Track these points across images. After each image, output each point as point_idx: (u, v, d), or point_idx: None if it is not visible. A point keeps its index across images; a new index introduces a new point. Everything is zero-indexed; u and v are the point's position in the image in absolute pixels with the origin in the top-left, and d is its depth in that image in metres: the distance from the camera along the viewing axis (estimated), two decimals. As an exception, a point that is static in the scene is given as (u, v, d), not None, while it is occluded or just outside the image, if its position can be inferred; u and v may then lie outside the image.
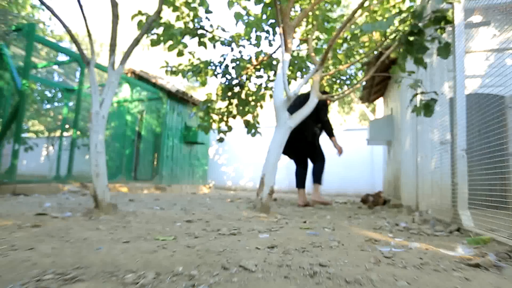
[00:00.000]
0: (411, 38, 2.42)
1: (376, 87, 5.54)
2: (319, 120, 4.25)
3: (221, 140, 5.73)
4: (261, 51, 4.77)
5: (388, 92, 5.38)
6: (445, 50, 2.11)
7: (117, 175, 5.90)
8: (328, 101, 4.37)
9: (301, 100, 4.17)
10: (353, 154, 8.47)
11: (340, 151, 4.32)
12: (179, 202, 3.83)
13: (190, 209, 3.03)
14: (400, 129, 4.12)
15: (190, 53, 4.87)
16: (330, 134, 4.28)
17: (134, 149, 6.95)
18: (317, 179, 4.16)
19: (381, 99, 6.94)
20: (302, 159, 4.37)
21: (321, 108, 4.30)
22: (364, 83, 5.48)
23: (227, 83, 4.92)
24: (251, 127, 5.38)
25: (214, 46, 4.80)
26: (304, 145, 4.20)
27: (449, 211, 2.30)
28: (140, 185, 6.15)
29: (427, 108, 2.40)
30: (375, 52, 4.29)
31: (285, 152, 4.37)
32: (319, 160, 4.26)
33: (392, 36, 3.16)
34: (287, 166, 9.34)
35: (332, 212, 3.32)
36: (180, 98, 7.47)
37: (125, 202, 3.59)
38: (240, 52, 4.76)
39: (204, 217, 2.41)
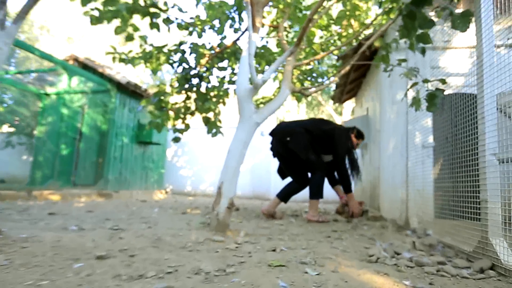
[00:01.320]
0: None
1: (349, 86, 5.12)
2: (328, 151, 3.40)
3: (176, 140, 4.97)
4: (225, 36, 4.12)
5: (363, 91, 4.97)
6: (464, 19, 1.61)
7: (48, 180, 4.89)
8: (354, 141, 3.54)
9: (319, 125, 3.38)
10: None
11: (355, 214, 3.47)
12: (116, 216, 3.04)
13: (124, 228, 2.28)
14: (380, 130, 3.67)
15: (141, 37, 4.09)
16: (347, 189, 3.47)
17: (74, 150, 5.92)
18: (313, 194, 3.30)
19: (350, 101, 6.59)
20: (301, 176, 3.51)
21: (339, 140, 3.34)
22: (336, 81, 5.03)
23: (184, 73, 4.20)
24: (212, 126, 4.70)
25: (169, 29, 4.07)
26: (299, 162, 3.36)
27: (457, 232, 1.80)
28: (79, 191, 5.18)
29: (432, 100, 1.90)
30: (354, 44, 3.83)
31: (279, 172, 3.66)
32: (318, 170, 3.35)
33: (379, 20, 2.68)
34: (251, 170, 8.73)
35: (305, 228, 2.74)
36: (132, 92, 6.56)
37: (40, 216, 2.73)
38: (200, 37, 4.06)
39: (133, 244, 1.69)
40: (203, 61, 4.13)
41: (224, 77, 4.76)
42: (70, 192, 5.02)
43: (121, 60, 4.14)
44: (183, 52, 4.04)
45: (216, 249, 1.69)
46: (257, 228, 2.59)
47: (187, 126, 4.74)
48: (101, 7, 3.38)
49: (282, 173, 3.69)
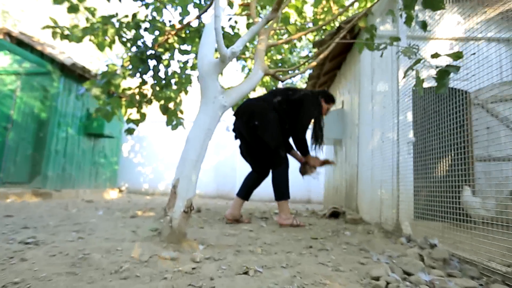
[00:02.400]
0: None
1: (323, 78, 4.80)
2: (289, 121, 2.86)
3: (130, 131, 4.34)
4: (188, 12, 3.57)
5: (337, 84, 4.68)
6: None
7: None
8: (325, 107, 3.08)
9: (289, 96, 2.86)
10: (289, 155, 7.75)
11: (316, 163, 3.09)
12: (42, 222, 2.40)
13: (42, 240, 1.69)
14: (358, 124, 3.36)
15: (88, 9, 3.41)
16: (305, 153, 3.04)
17: (3, 141, 5.00)
18: (282, 194, 2.83)
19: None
20: (260, 164, 3.03)
21: (307, 108, 2.87)
22: (310, 71, 4.69)
23: (138, 52, 3.58)
24: (172, 116, 4.13)
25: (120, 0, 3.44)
26: (262, 148, 2.83)
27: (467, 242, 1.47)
28: (6, 190, 4.33)
29: (441, 78, 1.55)
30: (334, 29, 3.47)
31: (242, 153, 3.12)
32: (283, 165, 2.86)
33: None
34: (215, 166, 8.19)
35: (279, 234, 2.31)
36: (80, 76, 5.73)
37: None
38: (159, 12, 3.48)
39: (39, 270, 1.14)
40: (161, 39, 3.55)
41: (187, 61, 4.21)
42: (-6, 191, 4.17)
43: (63, 36, 3.43)
44: (137, 26, 3.43)
45: (164, 274, 1.19)
46: (222, 236, 2.12)
47: (143, 116, 4.13)
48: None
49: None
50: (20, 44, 5.31)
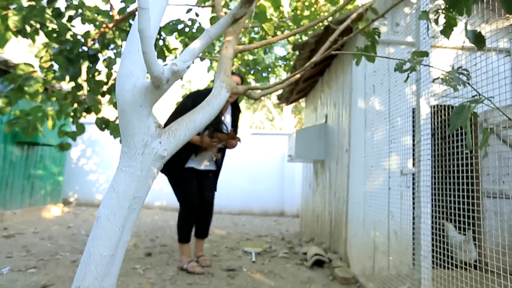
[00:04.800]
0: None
1: (302, 84, 4.12)
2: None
3: (64, 147, 3.41)
4: None
5: (319, 92, 4.01)
6: None
7: None
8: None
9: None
10: (260, 164, 7.07)
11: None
12: None
13: None
14: (350, 150, 2.70)
15: None
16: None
17: None
18: (178, 235, 2.66)
19: (290, 106, 5.67)
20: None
21: (237, 116, 2.86)
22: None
23: (63, 48, 2.67)
24: (114, 131, 3.26)
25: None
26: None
27: None
28: None
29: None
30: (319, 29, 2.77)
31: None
32: (180, 204, 2.72)
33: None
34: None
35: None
36: (3, 72, 4.60)
37: None
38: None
39: None
40: (95, 33, 2.66)
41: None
42: None
43: None
44: (58, 14, 2.51)
45: None
46: None
47: (81, 128, 3.22)
48: None
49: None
50: None
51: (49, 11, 2.47)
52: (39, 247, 3.23)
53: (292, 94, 4.58)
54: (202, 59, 3.79)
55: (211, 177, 2.75)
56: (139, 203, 1.17)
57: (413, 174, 2.67)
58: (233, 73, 2.74)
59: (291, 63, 4.26)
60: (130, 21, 2.81)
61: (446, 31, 1.31)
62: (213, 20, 2.88)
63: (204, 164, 2.69)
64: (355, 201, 2.60)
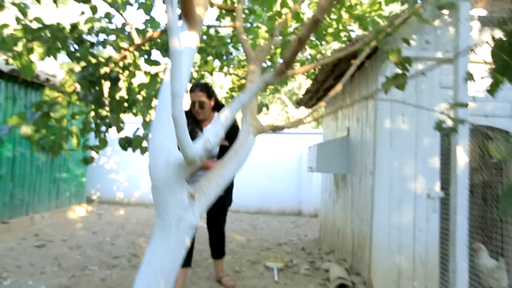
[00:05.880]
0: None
1: (322, 92, 4.02)
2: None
3: (88, 161, 3.49)
4: (158, 24, 2.66)
5: (340, 101, 3.91)
6: None
7: None
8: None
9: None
10: (277, 163, 7.05)
11: None
12: None
13: None
14: (374, 172, 2.64)
15: (17, 5, 2.47)
16: None
17: None
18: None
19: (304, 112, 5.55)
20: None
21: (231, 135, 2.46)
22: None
23: (86, 73, 2.68)
24: (138, 146, 3.30)
25: (56, 1, 2.50)
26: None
27: None
28: None
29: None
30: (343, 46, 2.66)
31: None
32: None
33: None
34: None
35: None
36: (29, 82, 4.72)
37: None
38: (109, 19, 2.55)
39: None
40: (117, 58, 2.66)
41: (156, 74, 3.34)
42: None
43: None
44: (80, 41, 2.51)
45: None
46: None
47: (103, 142, 3.28)
48: None
49: None
50: None
51: (71, 37, 2.47)
52: (69, 259, 3.36)
53: (312, 100, 4.49)
54: (225, 74, 3.73)
55: (220, 201, 2.50)
56: (173, 274, 1.18)
57: (441, 198, 2.60)
58: (197, 86, 2.50)
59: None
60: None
61: (492, 89, 1.23)
62: (234, 39, 2.81)
63: None
64: (380, 226, 2.56)
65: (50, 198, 5.47)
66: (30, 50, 2.29)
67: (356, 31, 2.88)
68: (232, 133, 2.34)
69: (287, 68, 1.19)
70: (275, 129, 1.77)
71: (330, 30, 2.57)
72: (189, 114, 2.59)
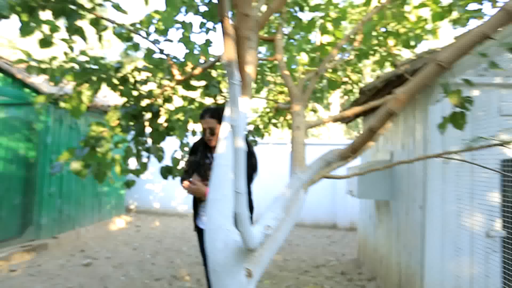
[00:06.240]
0: None
1: (360, 107, 3.86)
2: None
3: (129, 184, 3.60)
4: (197, 59, 2.67)
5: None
6: None
7: None
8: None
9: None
10: (311, 173, 6.89)
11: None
12: None
13: None
14: (425, 208, 2.48)
15: (65, 41, 2.58)
16: None
17: None
18: None
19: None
20: None
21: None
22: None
23: (130, 109, 2.76)
24: (173, 170, 3.36)
25: (100, 39, 2.58)
26: None
27: None
28: (-10, 257, 3.72)
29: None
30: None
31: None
32: None
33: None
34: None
35: None
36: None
37: None
38: (148, 53, 2.59)
39: None
40: (157, 92, 2.70)
41: (192, 99, 3.38)
42: (-25, 262, 3.56)
43: (41, 70, 2.67)
44: (124, 80, 2.58)
45: None
46: None
47: (144, 166, 3.36)
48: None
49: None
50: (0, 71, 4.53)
51: (116, 76, 2.54)
52: (114, 280, 3.49)
53: (350, 118, 4.33)
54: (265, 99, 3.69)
55: None
56: None
57: (503, 237, 2.38)
58: (207, 112, 2.30)
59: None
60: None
61: None
62: (273, 69, 2.76)
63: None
64: (433, 266, 2.40)
65: (93, 212, 5.74)
66: (79, 94, 2.38)
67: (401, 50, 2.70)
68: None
69: (353, 154, 1.12)
70: (327, 177, 1.69)
71: (375, 58, 2.44)
72: (200, 140, 2.47)
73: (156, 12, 2.78)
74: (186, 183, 2.17)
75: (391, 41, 2.32)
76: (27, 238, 4.42)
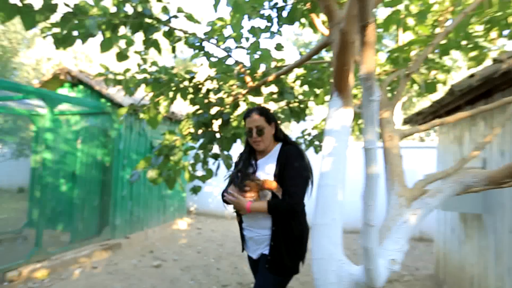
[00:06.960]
0: None
1: (444, 113, 3.48)
2: None
3: (196, 190, 3.67)
4: (265, 59, 2.59)
5: (469, 125, 3.31)
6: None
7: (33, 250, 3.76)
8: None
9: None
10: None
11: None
12: None
13: None
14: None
15: (138, 53, 2.70)
16: None
17: (70, 201, 4.79)
18: None
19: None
20: None
21: (283, 167, 1.91)
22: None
23: (201, 118, 2.79)
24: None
25: (174, 49, 2.63)
26: None
27: None
28: (74, 255, 4.07)
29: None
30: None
31: None
32: None
33: None
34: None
35: None
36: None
37: None
38: (219, 68, 2.57)
39: None
40: (229, 101, 2.69)
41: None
42: (62, 258, 3.91)
43: (117, 82, 2.84)
44: (197, 89, 2.60)
45: None
46: None
47: (210, 172, 3.40)
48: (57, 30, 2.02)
49: None
50: (80, 84, 4.98)
51: (190, 86, 2.58)
52: (183, 284, 3.58)
53: (425, 120, 3.94)
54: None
55: (263, 265, 1.78)
56: None
57: None
58: (253, 110, 2.00)
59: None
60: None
61: None
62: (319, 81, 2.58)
63: (252, 247, 1.91)
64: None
65: (159, 214, 6.03)
66: (156, 105, 2.45)
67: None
68: (290, 156, 1.84)
69: None
70: (422, 193, 1.49)
71: (473, 53, 2.13)
72: (245, 148, 2.14)
73: (220, 19, 2.76)
74: (227, 196, 1.88)
75: (493, 33, 2.00)
76: (104, 237, 4.76)
